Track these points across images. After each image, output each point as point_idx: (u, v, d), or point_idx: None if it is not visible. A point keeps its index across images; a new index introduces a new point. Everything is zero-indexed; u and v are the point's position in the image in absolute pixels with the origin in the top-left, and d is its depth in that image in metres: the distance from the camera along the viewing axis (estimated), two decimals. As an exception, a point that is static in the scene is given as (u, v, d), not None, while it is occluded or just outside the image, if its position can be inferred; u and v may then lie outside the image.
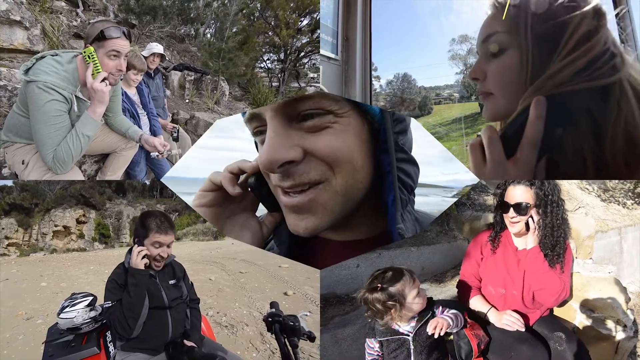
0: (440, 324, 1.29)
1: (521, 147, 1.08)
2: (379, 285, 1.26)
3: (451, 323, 1.33)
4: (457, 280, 1.81)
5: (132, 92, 2.72)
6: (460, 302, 1.73)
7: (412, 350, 1.29)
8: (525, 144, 1.07)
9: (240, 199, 1.14)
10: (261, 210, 1.25)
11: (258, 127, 1.04)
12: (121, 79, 2.23)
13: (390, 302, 1.25)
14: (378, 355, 1.34)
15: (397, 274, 1.28)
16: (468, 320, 1.53)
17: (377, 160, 1.01)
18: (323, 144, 0.94)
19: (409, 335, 1.29)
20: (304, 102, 0.92)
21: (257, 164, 1.04)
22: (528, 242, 1.54)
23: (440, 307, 1.39)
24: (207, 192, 1.14)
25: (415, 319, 1.32)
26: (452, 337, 1.45)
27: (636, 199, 3.31)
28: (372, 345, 1.33)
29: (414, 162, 1.07)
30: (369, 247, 1.15)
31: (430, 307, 1.36)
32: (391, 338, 1.29)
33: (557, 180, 1.58)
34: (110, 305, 1.42)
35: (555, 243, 1.52)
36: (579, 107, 1.05)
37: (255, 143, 1.18)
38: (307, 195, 0.97)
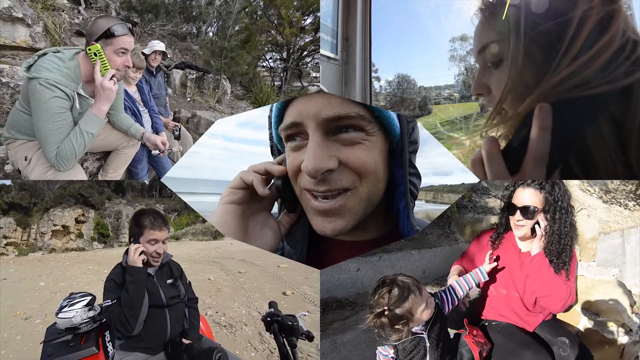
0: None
1: (525, 163, 0.96)
2: (385, 308, 1.20)
3: (462, 293, 1.46)
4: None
5: (133, 90, 2.71)
6: None
7: (428, 348, 1.27)
8: (530, 160, 0.95)
9: (262, 198, 1.19)
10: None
11: (294, 134, 1.12)
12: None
13: (398, 326, 1.21)
14: None
15: (404, 292, 1.21)
16: (468, 326, 1.52)
17: (391, 172, 1.15)
18: (356, 157, 1.07)
19: (423, 334, 1.28)
20: (345, 120, 1.05)
21: (285, 167, 1.16)
22: (533, 247, 1.51)
23: (442, 295, 1.42)
24: (237, 190, 1.18)
25: None
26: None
27: (638, 201, 3.28)
28: (387, 353, 1.29)
29: (419, 176, 1.22)
30: (376, 246, 1.25)
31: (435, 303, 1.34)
32: (406, 340, 1.26)
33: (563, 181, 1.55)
34: (109, 304, 1.42)
35: (561, 250, 1.50)
36: (599, 110, 0.90)
37: (272, 147, 1.28)
38: (338, 201, 1.09)
